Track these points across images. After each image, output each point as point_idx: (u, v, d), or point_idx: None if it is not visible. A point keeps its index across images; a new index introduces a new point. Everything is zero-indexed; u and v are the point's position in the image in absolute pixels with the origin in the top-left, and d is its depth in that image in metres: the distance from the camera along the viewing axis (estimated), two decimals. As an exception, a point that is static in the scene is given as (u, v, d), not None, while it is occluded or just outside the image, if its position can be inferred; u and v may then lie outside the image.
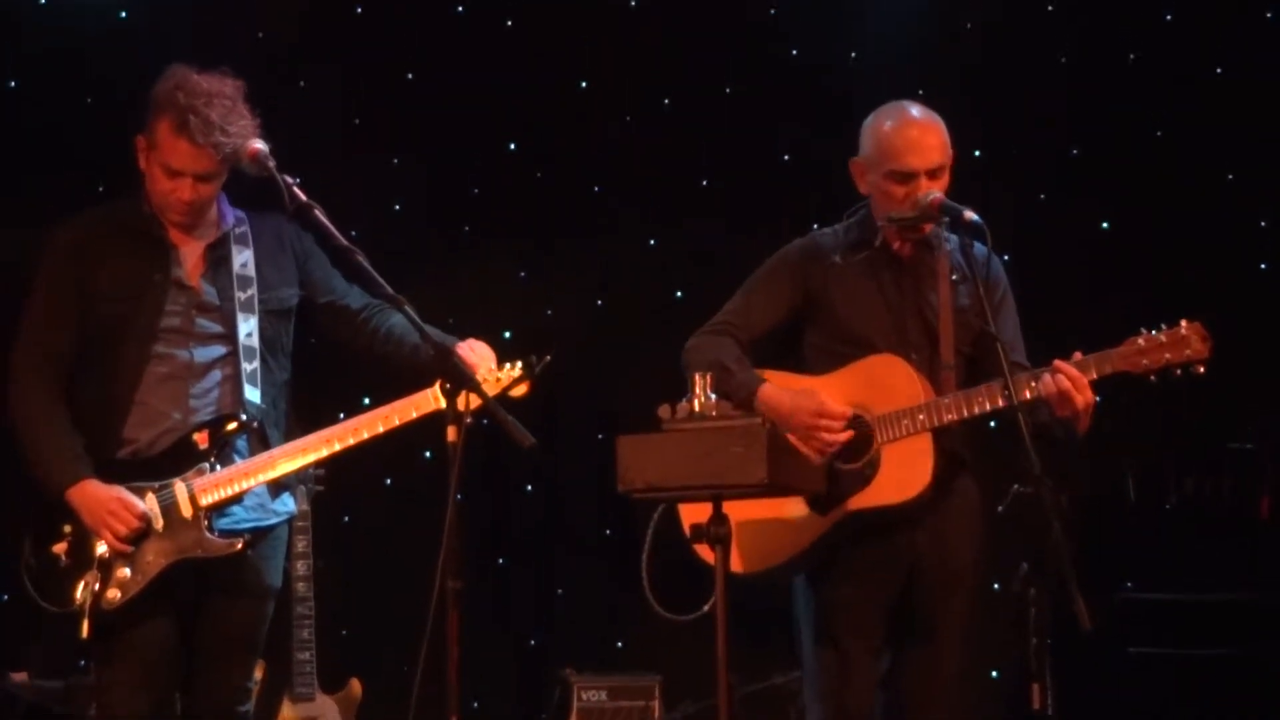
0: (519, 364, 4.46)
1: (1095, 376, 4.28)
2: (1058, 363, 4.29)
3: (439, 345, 4.21)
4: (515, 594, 7.00)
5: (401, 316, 4.46)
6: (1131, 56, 6.92)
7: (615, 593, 6.66)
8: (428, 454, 6.39)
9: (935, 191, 4.42)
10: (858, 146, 4.58)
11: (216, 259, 4.58)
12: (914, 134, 4.47)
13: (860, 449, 4.42)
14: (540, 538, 7.05)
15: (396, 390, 4.54)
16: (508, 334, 6.70)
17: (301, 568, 5.83)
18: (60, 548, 4.44)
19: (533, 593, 7.04)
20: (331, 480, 5.63)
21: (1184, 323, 4.28)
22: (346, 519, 6.75)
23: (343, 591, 6.36)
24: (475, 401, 4.00)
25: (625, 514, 6.32)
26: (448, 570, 3.84)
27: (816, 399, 4.41)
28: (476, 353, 4.45)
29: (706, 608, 4.17)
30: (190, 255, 4.57)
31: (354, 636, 6.69)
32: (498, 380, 4.44)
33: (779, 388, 4.48)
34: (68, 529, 4.44)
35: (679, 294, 7.00)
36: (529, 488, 7.06)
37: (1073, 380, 4.26)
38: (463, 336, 4.49)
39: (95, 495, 4.41)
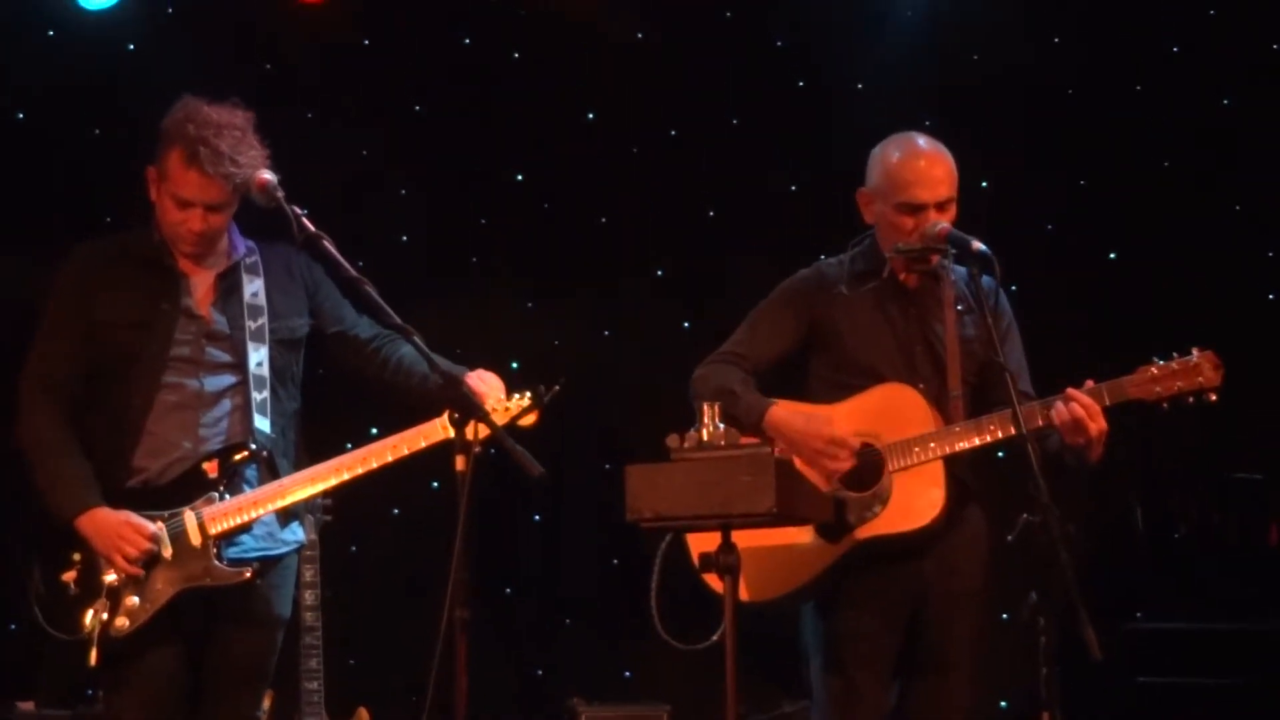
0: (528, 394, 4.47)
1: (1108, 404, 4.29)
2: (1070, 390, 4.30)
3: (447, 374, 4.22)
4: (523, 623, 6.99)
5: (410, 347, 4.50)
6: (1138, 87, 6.93)
7: (623, 622, 6.64)
8: (435, 484, 6.38)
9: (943, 222, 4.44)
10: (864, 177, 4.59)
11: (227, 288, 4.59)
12: (922, 166, 4.49)
13: (871, 477, 4.42)
14: (548, 567, 7.05)
15: (404, 420, 4.54)
16: (515, 364, 6.73)
17: (309, 597, 5.82)
18: (69, 576, 4.44)
19: (540, 622, 7.03)
20: (339, 510, 5.62)
21: (1196, 351, 4.29)
22: (354, 548, 6.76)
23: (350, 621, 6.35)
24: (484, 431, 4.00)
25: (633, 543, 6.32)
26: (456, 599, 3.84)
27: (828, 426, 4.41)
28: (486, 383, 4.46)
29: (715, 637, 4.17)
30: (201, 284, 4.58)
31: (362, 666, 6.68)
32: (506, 410, 4.44)
33: (790, 409, 4.49)
34: (77, 557, 4.44)
35: (686, 324, 7.01)
36: (537, 517, 7.06)
37: (1085, 408, 4.26)
38: (471, 367, 4.50)
39: (105, 520, 4.41)
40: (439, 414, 4.43)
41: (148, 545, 4.41)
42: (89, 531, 4.41)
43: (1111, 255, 6.92)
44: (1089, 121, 6.88)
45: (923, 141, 4.55)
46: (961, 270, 4.50)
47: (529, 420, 4.45)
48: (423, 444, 4.48)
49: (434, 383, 4.44)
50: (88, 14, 6.59)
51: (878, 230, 4.60)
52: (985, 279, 4.39)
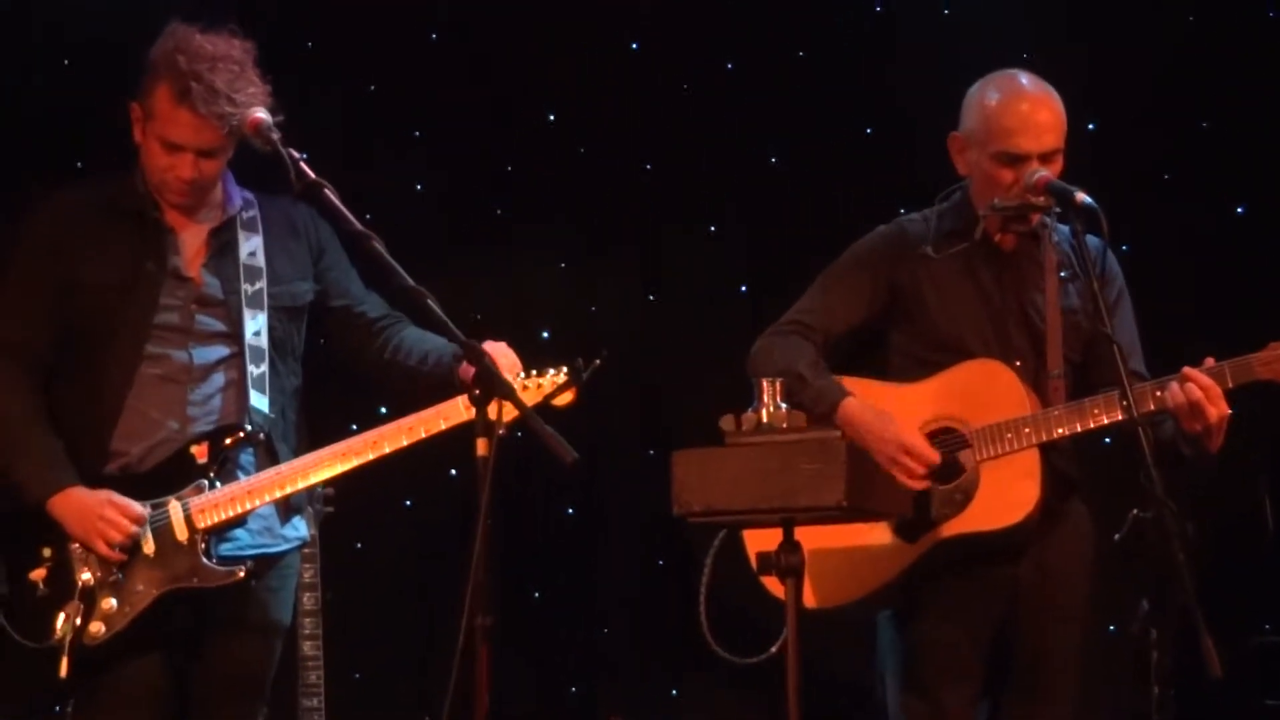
0: (564, 369, 4.50)
1: (1231, 386, 4.30)
2: (1188, 370, 4.31)
3: (468, 344, 4.22)
4: (554, 633, 7.03)
5: (414, 329, 4.62)
6: (1271, 13, 6.89)
7: (669, 632, 6.68)
8: (453, 471, 6.44)
9: (1041, 169, 4.44)
10: (957, 119, 4.60)
11: (220, 246, 4.63)
12: (1025, 110, 4.50)
13: (955, 467, 4.45)
14: (583, 568, 7.08)
15: (415, 399, 4.58)
16: (546, 334, 6.77)
17: (308, 601, 5.87)
18: (38, 575, 4.50)
19: (574, 632, 7.06)
20: (343, 501, 5.66)
21: (1339, 323, 4.30)
22: (359, 545, 6.80)
23: (355, 629, 6.40)
24: (509, 411, 3.97)
25: (681, 541, 6.35)
26: (476, 605, 3.82)
27: (898, 430, 4.42)
28: (500, 360, 4.47)
29: (775, 649, 4.21)
30: (190, 242, 4.63)
31: (368, 680, 6.74)
32: (539, 388, 4.48)
33: (865, 405, 4.51)
34: (47, 553, 4.50)
35: (743, 288, 7.02)
36: (570, 510, 7.09)
37: (1205, 390, 4.28)
38: (492, 337, 4.50)
39: (83, 501, 4.46)
40: (447, 398, 4.48)
41: (133, 529, 4.46)
42: (64, 514, 4.46)
43: (1239, 210, 6.90)
44: (1211, 53, 6.84)
45: (1027, 82, 4.57)
46: (1064, 230, 4.50)
47: (564, 400, 4.47)
48: (442, 425, 4.52)
49: (440, 362, 4.52)
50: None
51: (971, 183, 4.62)
52: (1091, 238, 4.41)
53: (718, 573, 4.61)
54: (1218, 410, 4.28)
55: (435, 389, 4.62)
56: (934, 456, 4.44)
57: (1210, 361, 4.33)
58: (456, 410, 4.49)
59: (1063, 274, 4.53)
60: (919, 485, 4.43)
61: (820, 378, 4.56)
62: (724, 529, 4.55)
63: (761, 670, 4.43)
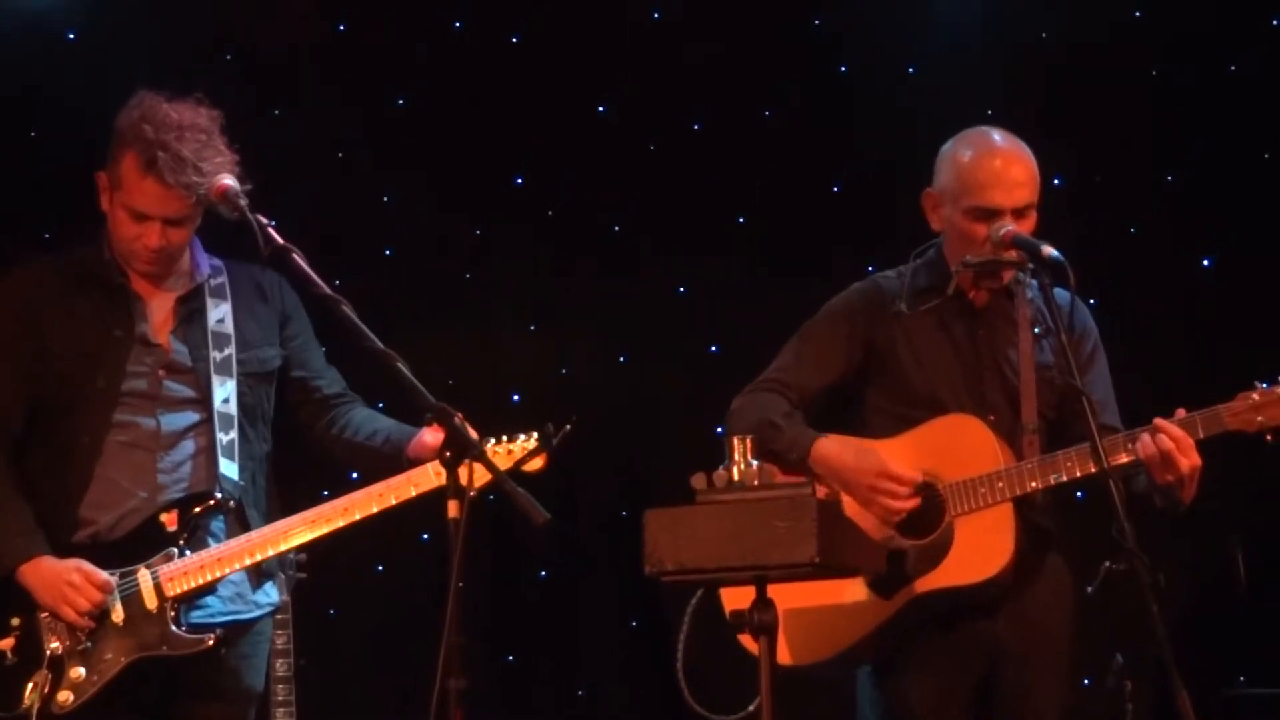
0: (534, 435, 4.49)
1: (1202, 436, 4.30)
2: (1159, 421, 4.31)
3: (439, 406, 4.17)
4: (530, 695, 7.00)
5: (365, 410, 4.70)
6: (1232, 67, 6.94)
7: (646, 692, 6.66)
8: (425, 536, 6.42)
9: (1008, 224, 4.45)
10: (926, 175, 4.61)
11: (189, 313, 4.63)
12: (999, 166, 4.51)
13: (930, 522, 4.44)
14: (557, 629, 7.06)
15: (364, 475, 4.60)
16: (516, 397, 6.76)
17: (281, 667, 5.83)
18: (6, 644, 4.49)
19: (550, 694, 7.04)
20: (315, 566, 5.63)
21: (1306, 374, 4.30)
22: (332, 611, 6.78)
23: (329, 695, 6.37)
24: (481, 475, 3.96)
25: (654, 600, 6.33)
26: (449, 668, 3.81)
27: (880, 459, 4.44)
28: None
29: (752, 708, 4.18)
30: (159, 309, 4.62)
31: (342, 747, 6.70)
32: (509, 453, 4.48)
33: (839, 442, 4.51)
34: (16, 622, 4.49)
35: (713, 348, 7.03)
36: (543, 573, 7.07)
37: (1176, 441, 4.27)
38: (466, 401, 4.47)
39: (51, 569, 4.46)
40: (386, 476, 4.50)
41: (100, 597, 4.45)
42: (32, 582, 4.45)
43: (1205, 262, 6.93)
44: (1176, 108, 6.89)
45: (999, 138, 4.58)
46: (1036, 285, 4.50)
47: (535, 465, 4.48)
48: (413, 492, 4.52)
49: (390, 440, 4.60)
50: (19, -1, 6.63)
51: (945, 239, 4.63)
52: (1059, 291, 4.41)
53: (695, 631, 4.59)
54: (1189, 461, 4.27)
55: (380, 466, 4.63)
56: (916, 476, 4.43)
57: (1181, 412, 4.33)
58: (427, 477, 4.49)
59: (1036, 329, 4.54)
60: (907, 505, 4.41)
61: (794, 426, 4.56)
62: (701, 587, 4.54)
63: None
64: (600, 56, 7.03)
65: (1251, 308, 6.67)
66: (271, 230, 4.24)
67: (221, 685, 4.56)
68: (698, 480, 4.06)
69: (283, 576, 4.83)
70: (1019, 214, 4.48)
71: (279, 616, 5.77)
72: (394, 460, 4.63)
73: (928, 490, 4.45)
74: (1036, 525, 4.48)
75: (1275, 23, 6.98)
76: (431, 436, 4.52)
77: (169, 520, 4.51)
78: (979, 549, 4.40)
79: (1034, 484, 4.38)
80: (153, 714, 4.53)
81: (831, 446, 4.51)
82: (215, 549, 4.52)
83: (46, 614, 4.47)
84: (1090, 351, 4.61)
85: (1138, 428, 4.36)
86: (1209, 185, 6.83)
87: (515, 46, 7.11)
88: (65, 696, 4.44)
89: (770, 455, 4.12)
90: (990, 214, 4.48)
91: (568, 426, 4.36)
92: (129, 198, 4.51)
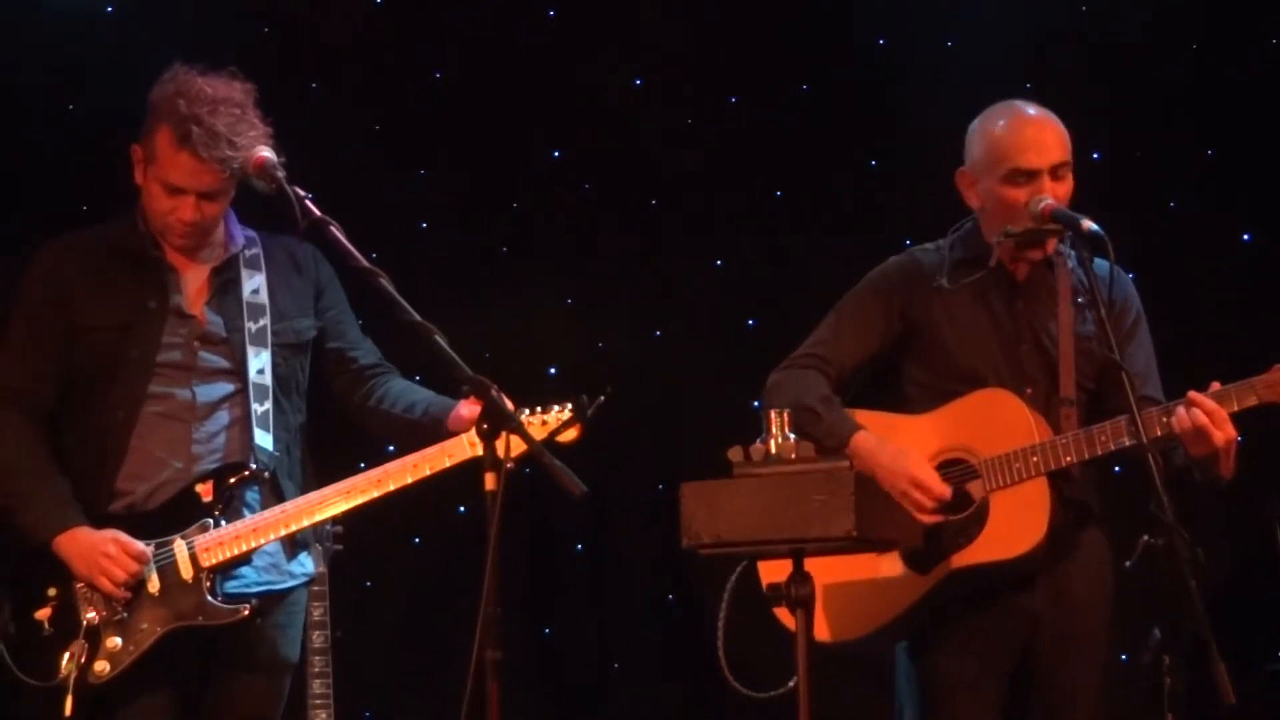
0: (568, 406, 4.49)
1: (1237, 409, 4.28)
2: (1193, 394, 4.30)
3: (475, 378, 4.11)
4: (565, 668, 7.01)
5: (402, 381, 4.70)
6: (1274, 40, 6.90)
7: (680, 667, 6.66)
8: (461, 509, 6.42)
9: (1047, 198, 4.44)
10: (963, 155, 4.59)
11: (223, 284, 4.65)
12: (1030, 130, 4.51)
13: (966, 498, 4.43)
14: (593, 603, 7.06)
15: (399, 447, 4.60)
16: (552, 370, 6.76)
17: (317, 639, 5.85)
18: (43, 614, 4.50)
19: (585, 667, 7.04)
20: (352, 538, 5.65)
21: (1345, 345, 4.28)
22: (369, 583, 6.79)
23: (365, 667, 6.39)
24: (518, 446, 3.96)
25: (691, 574, 6.33)
26: (486, 640, 3.81)
27: (912, 465, 4.41)
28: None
29: (792, 684, 4.17)
30: (193, 280, 4.64)
31: (378, 718, 6.71)
32: (544, 424, 4.47)
33: (877, 439, 4.50)
34: (52, 592, 4.50)
35: (750, 322, 7.01)
36: (579, 545, 7.08)
37: (1210, 414, 4.26)
38: (502, 374, 4.48)
39: (88, 540, 4.47)
40: (424, 448, 4.52)
41: (136, 567, 4.47)
42: (69, 553, 4.47)
43: (1245, 237, 6.89)
44: (1216, 81, 6.85)
45: (1028, 107, 4.58)
46: (1075, 256, 4.48)
47: (570, 436, 4.48)
48: (447, 463, 4.53)
49: (428, 412, 4.59)
50: (56, -27, 6.64)
51: (983, 215, 4.61)
52: (1099, 263, 4.39)
53: (735, 607, 4.59)
54: (1224, 434, 4.26)
55: (419, 438, 4.63)
56: (944, 491, 4.43)
57: (1216, 385, 4.31)
58: (461, 447, 4.50)
59: (1080, 301, 4.52)
60: (929, 519, 4.41)
61: (832, 412, 4.55)
62: (742, 564, 4.53)
63: (775, 706, 4.40)
64: (638, 30, 7.02)
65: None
66: (309, 203, 4.24)
67: (257, 655, 4.58)
68: (735, 453, 4.06)
69: (319, 548, 4.85)
70: (1055, 175, 4.48)
71: (315, 588, 5.81)
72: (433, 432, 4.63)
73: (963, 468, 4.43)
74: (1074, 500, 4.47)
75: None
76: (468, 409, 4.52)
77: (204, 491, 4.53)
78: (1014, 524, 4.39)
79: (1069, 458, 4.37)
80: (189, 684, 4.55)
81: (868, 443, 4.49)
82: (250, 519, 4.53)
83: (83, 585, 4.49)
84: (1132, 323, 4.60)
85: (1174, 401, 4.34)
86: (1249, 160, 6.79)
87: (552, 20, 7.10)
88: (102, 666, 4.45)
89: (806, 440, 4.10)
90: (1028, 176, 4.47)
91: (602, 398, 4.36)
92: (163, 171, 4.52)
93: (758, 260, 6.98)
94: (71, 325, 4.57)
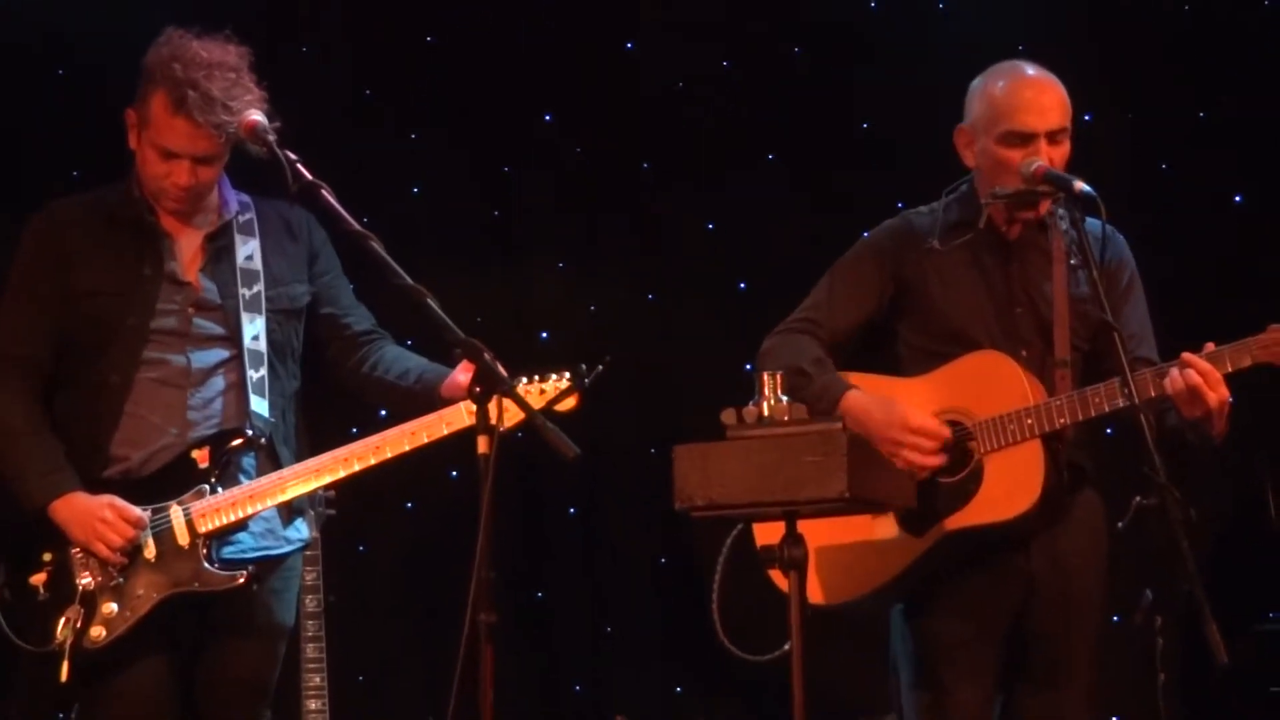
0: (566, 374, 4.49)
1: (1230, 370, 4.29)
2: (1186, 355, 4.30)
3: (468, 341, 4.08)
4: (558, 632, 7.03)
5: (395, 347, 4.70)
6: (1267, 1, 6.89)
7: (674, 629, 6.68)
8: (454, 473, 6.43)
9: (1038, 160, 4.44)
10: (953, 113, 4.60)
11: (217, 250, 4.65)
12: (1031, 92, 4.51)
13: (960, 459, 4.44)
14: (586, 566, 7.08)
15: (391, 414, 4.60)
16: (544, 334, 6.76)
17: (311, 603, 5.87)
18: (39, 579, 4.51)
19: (578, 630, 7.06)
20: (345, 503, 5.66)
21: (1337, 306, 4.29)
22: (362, 547, 6.81)
23: (358, 631, 6.40)
24: (512, 414, 3.95)
25: (684, 536, 6.35)
26: (480, 603, 3.80)
27: (904, 413, 4.43)
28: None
29: (787, 646, 4.19)
30: (187, 246, 4.64)
31: (371, 681, 6.74)
32: (541, 393, 4.48)
33: (868, 395, 4.51)
34: (48, 557, 4.51)
35: (742, 285, 7.02)
36: (572, 509, 7.09)
37: (1204, 375, 4.26)
38: (494, 338, 4.47)
39: (84, 505, 4.48)
40: (422, 414, 4.51)
41: (133, 532, 4.48)
42: (65, 518, 4.48)
43: (1237, 198, 6.90)
44: (1210, 41, 6.84)
45: (1030, 68, 4.58)
46: (1068, 216, 4.49)
47: (568, 405, 4.46)
48: (445, 430, 4.54)
49: (422, 378, 4.59)
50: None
51: (978, 174, 4.61)
52: (1093, 223, 4.40)
53: (730, 572, 4.60)
54: (1217, 395, 4.26)
55: (412, 405, 4.64)
56: (944, 431, 4.43)
57: (1210, 346, 4.32)
58: (459, 415, 4.50)
59: (1073, 262, 4.52)
60: (933, 462, 4.41)
61: (824, 374, 4.55)
62: (738, 526, 4.54)
63: (773, 669, 4.41)
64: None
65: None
66: (300, 167, 4.24)
67: (254, 621, 4.59)
68: (728, 416, 4.07)
69: (312, 513, 4.86)
70: (1052, 139, 4.48)
71: (308, 553, 5.82)
72: (427, 399, 4.64)
73: (958, 430, 4.45)
74: (1069, 461, 4.48)
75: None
76: (464, 376, 4.52)
77: (201, 457, 4.53)
78: (1007, 486, 4.40)
79: (1062, 420, 4.38)
80: (185, 649, 4.56)
81: (860, 400, 4.50)
82: (247, 485, 4.54)
83: (79, 550, 4.50)
84: (1127, 283, 4.61)
85: (1167, 362, 4.35)
86: (1241, 121, 6.79)
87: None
88: (98, 632, 4.46)
89: (798, 402, 4.11)
90: (1024, 138, 4.47)
91: (600, 366, 4.36)
92: (158, 136, 4.51)
93: (749, 223, 6.98)
94: (67, 290, 4.57)
